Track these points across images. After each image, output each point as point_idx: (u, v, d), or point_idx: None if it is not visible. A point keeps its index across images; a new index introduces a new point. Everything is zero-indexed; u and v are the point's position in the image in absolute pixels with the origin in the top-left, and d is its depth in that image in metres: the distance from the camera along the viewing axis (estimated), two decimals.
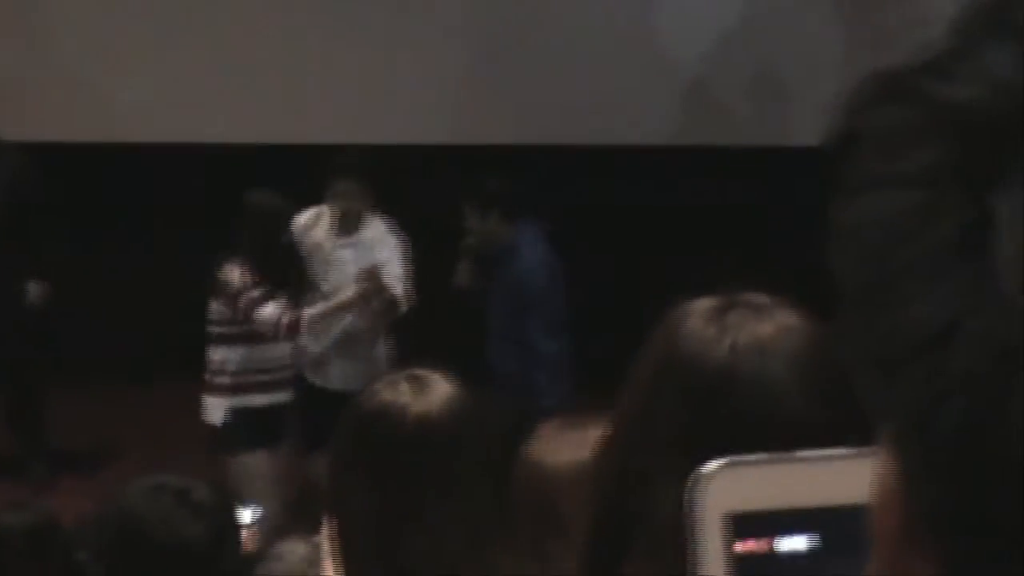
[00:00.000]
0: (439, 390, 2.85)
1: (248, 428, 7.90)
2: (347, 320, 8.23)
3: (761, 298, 2.07)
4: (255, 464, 7.82)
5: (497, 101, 10.75)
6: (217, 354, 7.93)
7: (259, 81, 10.87)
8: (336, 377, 8.27)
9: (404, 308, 8.11)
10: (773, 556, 0.92)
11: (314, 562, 4.44)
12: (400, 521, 2.79)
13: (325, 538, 2.94)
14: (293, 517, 5.43)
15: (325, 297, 8.16)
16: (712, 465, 0.92)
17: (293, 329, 7.97)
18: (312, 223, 8.19)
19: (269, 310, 7.89)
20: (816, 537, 0.93)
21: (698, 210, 9.95)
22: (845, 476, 0.89)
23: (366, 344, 8.21)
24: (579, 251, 8.98)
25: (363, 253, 8.08)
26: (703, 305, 2.06)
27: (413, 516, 2.78)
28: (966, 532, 0.65)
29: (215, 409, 7.94)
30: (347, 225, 8.09)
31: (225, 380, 7.94)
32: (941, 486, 0.65)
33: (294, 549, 4.51)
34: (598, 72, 10.62)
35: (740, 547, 0.91)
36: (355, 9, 10.89)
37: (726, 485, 0.92)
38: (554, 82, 10.72)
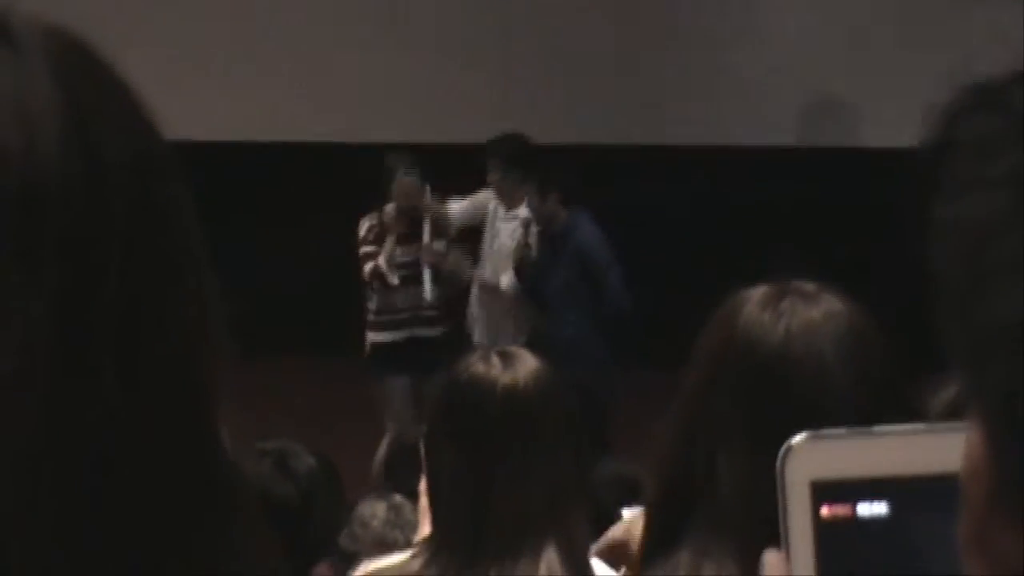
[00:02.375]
0: (525, 364, 2.88)
1: (378, 360, 8.63)
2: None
3: (809, 286, 2.13)
4: (386, 391, 8.34)
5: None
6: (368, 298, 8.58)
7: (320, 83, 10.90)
8: (479, 334, 8.90)
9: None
10: (853, 520, 0.91)
11: (395, 522, 4.54)
12: (486, 483, 2.83)
13: (422, 495, 3.00)
14: (391, 472, 5.46)
15: (489, 259, 8.81)
16: (799, 438, 0.92)
17: (374, 278, 8.65)
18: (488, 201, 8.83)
19: (370, 263, 8.31)
20: (892, 504, 0.91)
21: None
22: (918, 449, 0.91)
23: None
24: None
25: (509, 226, 8.75)
26: (758, 292, 2.14)
27: (499, 479, 2.82)
28: None
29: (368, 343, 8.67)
30: (507, 203, 8.77)
31: (369, 318, 8.76)
32: None
33: (375, 512, 4.62)
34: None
35: (825, 511, 0.91)
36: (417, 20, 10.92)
37: (811, 456, 0.91)
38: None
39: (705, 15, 10.78)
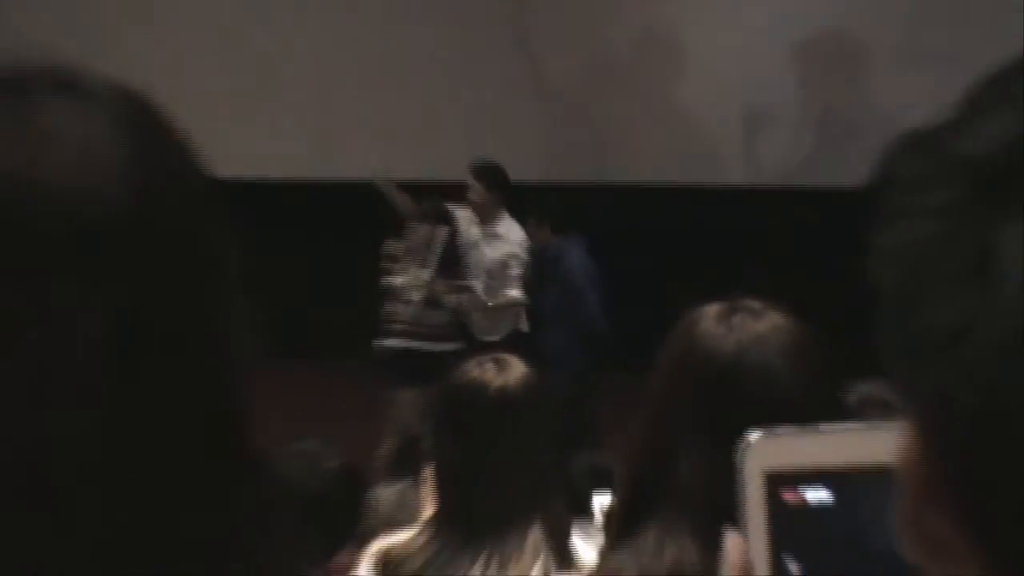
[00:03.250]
0: (515, 370, 2.87)
1: (389, 365, 8.55)
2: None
3: (755, 303, 2.12)
4: (398, 395, 8.17)
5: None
6: None
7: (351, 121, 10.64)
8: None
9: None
10: (802, 505, 0.90)
11: (401, 504, 4.51)
12: (478, 471, 2.82)
13: (426, 479, 2.98)
14: (399, 462, 5.44)
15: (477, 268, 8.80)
16: (754, 434, 0.90)
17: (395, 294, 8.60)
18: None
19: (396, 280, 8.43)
20: (835, 491, 0.90)
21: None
22: (858, 444, 0.89)
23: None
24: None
25: (495, 243, 8.67)
26: (712, 309, 2.12)
27: (489, 467, 2.81)
28: (975, 489, 0.64)
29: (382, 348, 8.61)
30: (486, 219, 8.70)
31: (387, 327, 8.61)
32: (956, 453, 0.65)
33: (384, 495, 4.60)
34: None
35: (777, 497, 0.90)
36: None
37: (765, 449, 0.90)
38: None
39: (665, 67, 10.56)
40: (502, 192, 8.61)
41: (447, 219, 8.50)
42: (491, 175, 8.66)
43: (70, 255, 0.93)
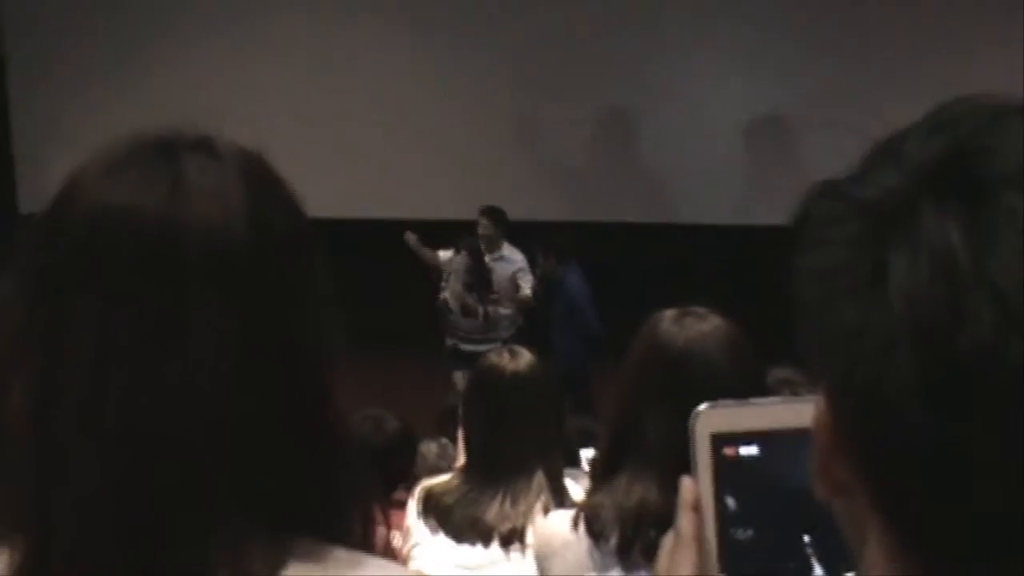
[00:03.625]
0: (525, 358, 2.83)
1: (447, 358, 8.48)
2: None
3: (701, 310, 2.08)
4: (454, 381, 8.10)
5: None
6: None
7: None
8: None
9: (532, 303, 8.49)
10: (738, 458, 0.88)
11: (442, 456, 4.47)
12: (498, 434, 2.76)
13: (460, 439, 2.94)
14: (441, 425, 5.38)
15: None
16: (703, 406, 0.88)
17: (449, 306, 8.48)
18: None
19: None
20: (762, 448, 0.88)
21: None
22: (779, 412, 0.88)
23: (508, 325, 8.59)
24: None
25: (503, 265, 8.56)
26: (668, 314, 2.09)
27: (506, 431, 2.75)
28: (864, 443, 0.63)
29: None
30: (492, 248, 8.56)
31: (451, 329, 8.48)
32: (853, 417, 0.63)
33: (429, 449, 4.52)
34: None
35: (720, 453, 0.88)
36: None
37: (711, 417, 0.88)
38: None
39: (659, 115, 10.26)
40: (504, 226, 8.54)
41: (477, 250, 8.40)
42: (496, 213, 8.59)
43: (211, 273, 0.94)
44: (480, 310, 8.34)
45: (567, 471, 2.93)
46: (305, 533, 0.95)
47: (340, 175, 9.87)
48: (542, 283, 8.51)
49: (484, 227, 8.55)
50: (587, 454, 4.33)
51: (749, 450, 0.88)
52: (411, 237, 8.72)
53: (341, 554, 0.96)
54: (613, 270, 9.37)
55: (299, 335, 0.97)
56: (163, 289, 0.92)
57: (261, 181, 0.99)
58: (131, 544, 0.89)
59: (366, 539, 0.99)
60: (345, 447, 1.00)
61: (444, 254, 8.65)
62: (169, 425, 0.91)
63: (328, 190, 9.79)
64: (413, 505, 2.79)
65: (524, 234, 8.58)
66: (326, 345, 0.99)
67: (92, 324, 0.92)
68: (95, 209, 0.94)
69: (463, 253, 8.42)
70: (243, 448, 0.92)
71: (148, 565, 0.90)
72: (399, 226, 8.92)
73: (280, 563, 0.92)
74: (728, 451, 0.88)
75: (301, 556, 0.93)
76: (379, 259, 9.40)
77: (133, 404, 0.91)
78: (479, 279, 8.39)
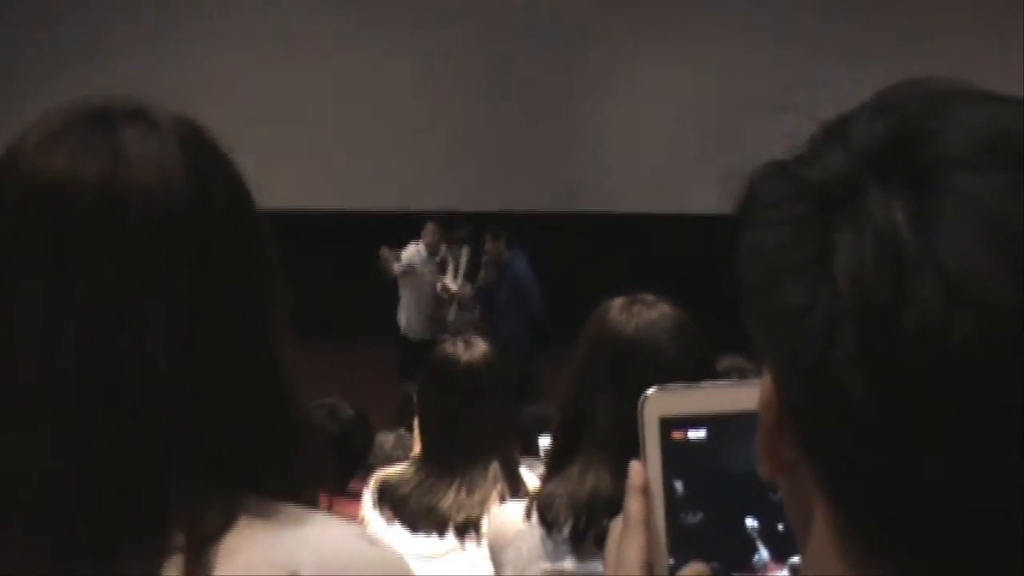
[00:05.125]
0: (479, 347, 2.80)
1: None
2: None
3: (650, 296, 2.07)
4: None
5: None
6: None
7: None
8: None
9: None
10: (686, 441, 0.87)
11: (398, 446, 4.37)
12: (453, 424, 2.73)
13: (415, 427, 2.89)
14: (398, 413, 5.31)
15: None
16: (651, 390, 0.87)
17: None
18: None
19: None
20: (709, 430, 0.87)
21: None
22: (725, 396, 0.87)
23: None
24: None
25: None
26: (618, 302, 2.07)
27: (461, 418, 2.72)
28: (808, 420, 0.63)
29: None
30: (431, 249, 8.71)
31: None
32: (798, 395, 0.63)
33: (385, 439, 4.48)
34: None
35: (668, 436, 0.87)
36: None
37: (659, 401, 0.87)
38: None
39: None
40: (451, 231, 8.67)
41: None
42: (443, 223, 8.74)
43: (155, 239, 0.93)
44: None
45: (524, 460, 2.92)
46: (255, 492, 0.95)
47: (290, 166, 9.81)
48: (490, 267, 8.45)
49: (430, 232, 8.71)
50: (545, 442, 4.29)
51: (697, 434, 0.87)
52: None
53: (289, 509, 0.96)
54: (558, 259, 9.30)
55: (246, 300, 0.96)
56: (106, 255, 0.92)
57: (199, 149, 0.98)
58: (90, 504, 0.90)
59: (314, 502, 0.99)
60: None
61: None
62: (123, 388, 0.90)
63: (283, 181, 9.77)
64: (368, 495, 2.77)
65: (472, 222, 8.55)
66: (274, 313, 0.98)
67: (37, 295, 0.91)
68: (34, 178, 0.94)
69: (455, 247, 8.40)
70: (197, 409, 0.92)
71: (108, 523, 0.89)
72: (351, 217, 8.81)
73: (232, 519, 0.92)
74: (676, 435, 0.87)
75: (251, 512, 0.94)
76: (328, 250, 9.25)
77: (86, 369, 0.90)
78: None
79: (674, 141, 10.07)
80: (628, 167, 10.08)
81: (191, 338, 0.92)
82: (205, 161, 0.98)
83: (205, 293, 0.93)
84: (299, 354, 0.99)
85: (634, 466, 0.86)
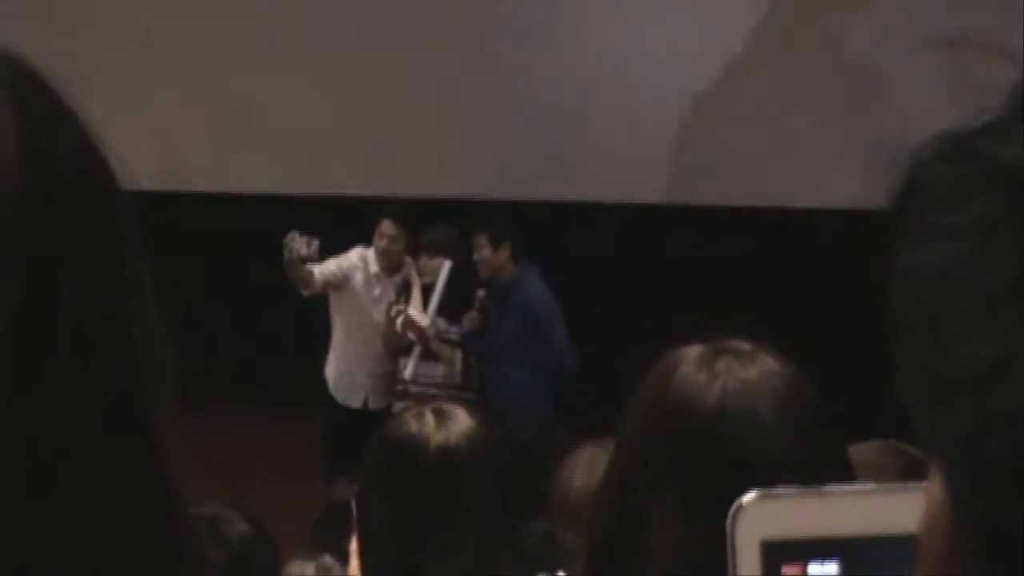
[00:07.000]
0: (460, 423, 2.37)
1: None
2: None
3: (745, 345, 1.78)
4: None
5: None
6: None
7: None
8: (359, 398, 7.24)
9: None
10: None
11: None
12: (416, 540, 2.35)
13: (352, 553, 2.45)
14: (316, 533, 4.27)
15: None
16: (749, 496, 0.71)
17: None
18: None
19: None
20: (843, 563, 0.70)
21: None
22: (868, 508, 0.70)
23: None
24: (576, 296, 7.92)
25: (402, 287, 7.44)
26: (693, 352, 1.76)
27: (430, 539, 2.33)
28: (1008, 549, 0.52)
29: None
30: (390, 264, 7.13)
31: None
32: (987, 509, 0.52)
33: (300, 573, 3.69)
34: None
35: (775, 570, 0.71)
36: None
37: (761, 514, 0.70)
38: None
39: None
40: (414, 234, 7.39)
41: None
42: (408, 213, 7.30)
43: None
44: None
45: None
46: None
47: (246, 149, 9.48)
48: (483, 289, 7.00)
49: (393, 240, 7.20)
50: None
51: (822, 567, 0.72)
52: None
53: None
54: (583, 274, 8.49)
55: (104, 338, 0.82)
56: None
57: (43, 109, 0.86)
58: None
59: None
60: (184, 533, 0.83)
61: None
62: None
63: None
64: None
65: (456, 214, 7.49)
66: (147, 361, 0.83)
67: None
68: None
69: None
70: (31, 489, 0.79)
71: None
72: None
73: None
74: (789, 569, 0.72)
75: None
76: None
77: None
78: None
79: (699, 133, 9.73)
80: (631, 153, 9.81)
81: (28, 374, 0.77)
82: (49, 126, 0.86)
83: (41, 319, 0.79)
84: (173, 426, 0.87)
85: None
